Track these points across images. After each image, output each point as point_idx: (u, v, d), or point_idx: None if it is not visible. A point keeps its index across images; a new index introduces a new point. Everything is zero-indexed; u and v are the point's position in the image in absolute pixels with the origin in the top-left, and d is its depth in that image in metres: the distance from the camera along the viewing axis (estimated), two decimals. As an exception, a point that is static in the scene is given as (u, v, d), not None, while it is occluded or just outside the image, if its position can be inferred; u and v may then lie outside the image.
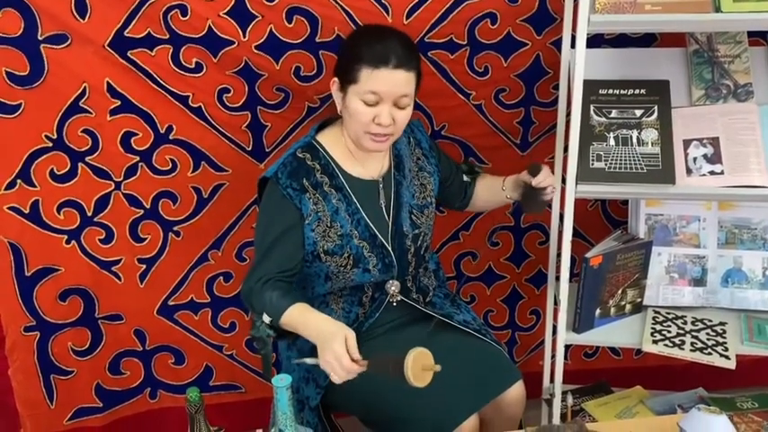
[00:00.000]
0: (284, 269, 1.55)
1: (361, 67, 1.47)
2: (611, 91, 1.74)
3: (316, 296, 1.66)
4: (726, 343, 1.77)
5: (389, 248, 1.60)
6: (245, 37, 1.74)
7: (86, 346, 2.02)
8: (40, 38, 1.68)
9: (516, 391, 1.60)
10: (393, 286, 1.63)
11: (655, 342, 1.78)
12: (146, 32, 1.71)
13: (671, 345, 1.77)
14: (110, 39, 1.70)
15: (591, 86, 1.69)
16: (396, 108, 1.50)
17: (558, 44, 1.80)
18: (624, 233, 1.91)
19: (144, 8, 1.68)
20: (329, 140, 1.61)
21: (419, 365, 1.33)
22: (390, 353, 1.38)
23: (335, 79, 1.54)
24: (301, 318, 1.47)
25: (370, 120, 1.49)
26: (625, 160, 1.65)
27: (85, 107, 1.77)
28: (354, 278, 1.60)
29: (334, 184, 1.57)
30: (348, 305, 1.65)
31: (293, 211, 1.55)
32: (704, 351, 1.75)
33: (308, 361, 1.45)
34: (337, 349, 1.34)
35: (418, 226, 1.65)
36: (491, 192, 1.79)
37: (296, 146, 1.61)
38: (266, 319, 1.52)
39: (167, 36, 1.73)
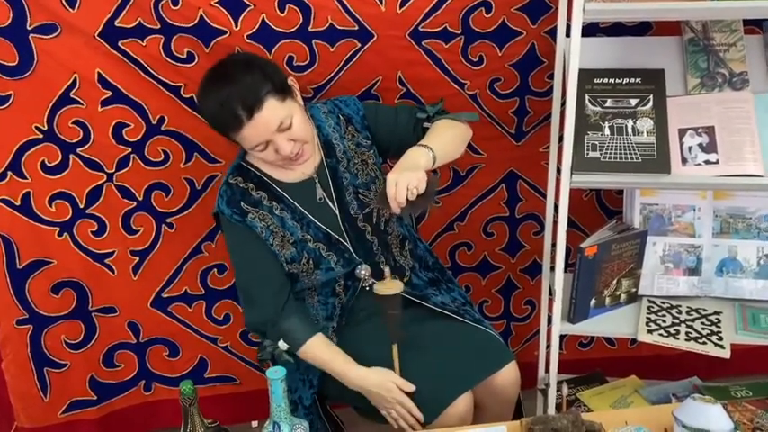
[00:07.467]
0: (282, 285, 1.60)
1: (227, 134, 1.51)
2: (606, 80, 1.72)
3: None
4: (720, 332, 1.78)
5: (346, 243, 1.61)
6: (237, 26, 1.72)
7: (80, 339, 2.01)
8: (29, 28, 1.66)
9: (509, 372, 1.60)
10: (363, 270, 1.63)
11: (650, 332, 1.78)
12: (136, 22, 1.70)
13: (666, 334, 1.77)
14: (100, 29, 1.68)
15: (586, 76, 1.68)
16: (286, 132, 1.50)
17: (552, 33, 1.79)
18: (619, 223, 1.90)
19: (134, -3, 1.67)
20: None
21: (384, 286, 1.50)
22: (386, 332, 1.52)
23: None
24: (336, 365, 1.58)
25: (274, 155, 1.52)
26: (620, 150, 1.64)
27: (76, 98, 1.76)
28: (320, 278, 1.62)
29: (273, 196, 1.59)
30: (324, 297, 1.66)
31: (249, 231, 1.58)
32: (699, 340, 1.75)
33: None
34: (401, 402, 1.52)
35: (367, 204, 1.64)
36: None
37: (228, 173, 1.62)
38: (283, 346, 1.58)
39: (158, 26, 1.71)
